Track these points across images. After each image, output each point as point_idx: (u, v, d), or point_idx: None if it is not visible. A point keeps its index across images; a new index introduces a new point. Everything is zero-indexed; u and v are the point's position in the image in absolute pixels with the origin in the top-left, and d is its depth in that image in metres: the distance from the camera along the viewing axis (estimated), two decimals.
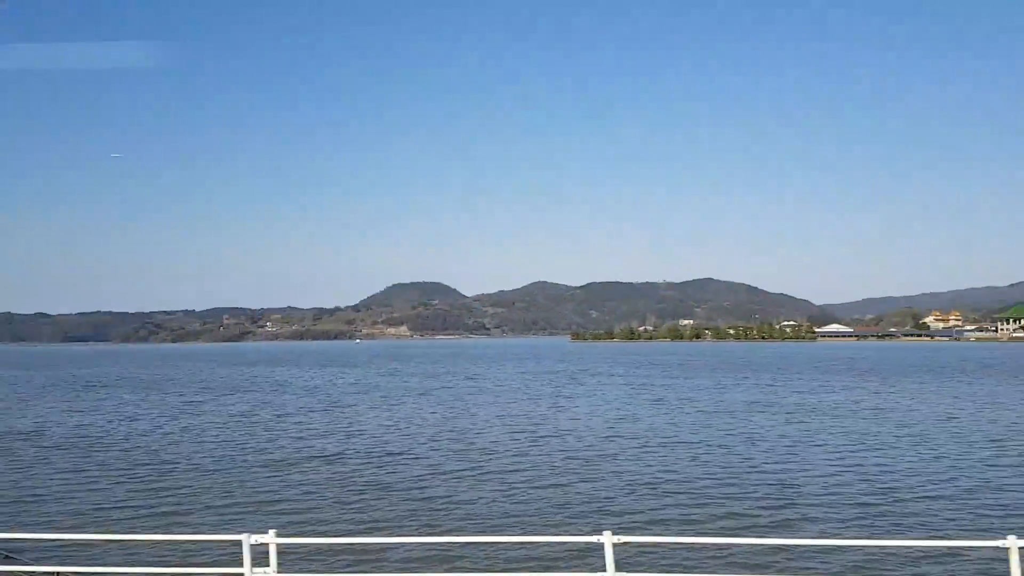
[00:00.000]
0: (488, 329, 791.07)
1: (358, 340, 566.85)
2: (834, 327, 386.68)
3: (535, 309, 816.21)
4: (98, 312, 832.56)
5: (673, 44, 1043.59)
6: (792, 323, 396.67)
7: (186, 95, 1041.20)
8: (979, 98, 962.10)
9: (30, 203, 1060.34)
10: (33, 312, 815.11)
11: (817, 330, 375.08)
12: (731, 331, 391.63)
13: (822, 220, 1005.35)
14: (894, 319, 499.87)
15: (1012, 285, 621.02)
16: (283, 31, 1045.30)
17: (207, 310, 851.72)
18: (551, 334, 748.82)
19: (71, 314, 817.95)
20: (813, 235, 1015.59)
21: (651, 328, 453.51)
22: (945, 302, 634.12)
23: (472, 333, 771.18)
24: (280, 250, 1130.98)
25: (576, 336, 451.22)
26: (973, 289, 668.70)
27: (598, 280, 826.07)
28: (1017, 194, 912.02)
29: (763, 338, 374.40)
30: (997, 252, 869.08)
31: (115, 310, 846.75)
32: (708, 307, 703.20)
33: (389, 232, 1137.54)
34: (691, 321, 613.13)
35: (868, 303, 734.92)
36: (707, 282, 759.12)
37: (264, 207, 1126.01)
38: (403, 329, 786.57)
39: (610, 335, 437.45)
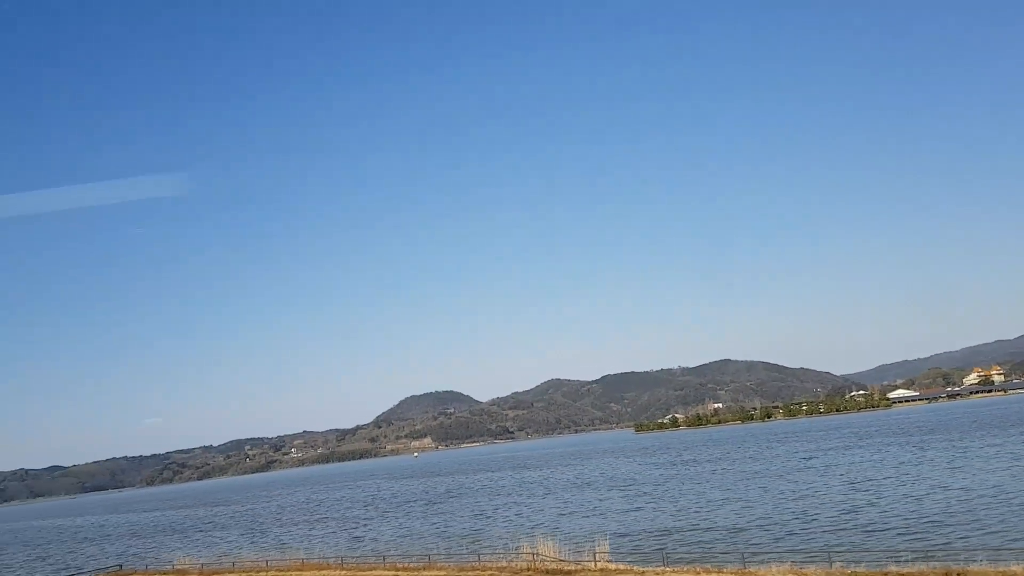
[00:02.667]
0: (512, 433, 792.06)
1: (415, 455, 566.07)
2: (901, 392, 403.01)
3: (555, 408, 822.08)
4: (113, 459, 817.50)
5: (660, 129, 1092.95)
6: (862, 393, 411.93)
7: (197, 227, 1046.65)
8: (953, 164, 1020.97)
9: (36, 353, 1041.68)
10: (48, 465, 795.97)
11: (890, 396, 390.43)
12: (803, 407, 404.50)
13: (832, 291, 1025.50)
14: (924, 381, 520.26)
15: (1020, 337, 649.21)
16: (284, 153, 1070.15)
17: (226, 443, 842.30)
18: (576, 431, 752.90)
19: (86, 464, 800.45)
20: (825, 307, 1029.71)
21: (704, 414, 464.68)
22: (960, 360, 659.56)
23: (496, 438, 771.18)
24: (291, 376, 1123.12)
25: (640, 428, 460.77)
26: (984, 344, 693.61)
27: (613, 372, 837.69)
28: (1010, 250, 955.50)
29: (837, 411, 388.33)
30: (1003, 307, 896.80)
31: (130, 455, 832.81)
32: (731, 388, 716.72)
33: (397, 347, 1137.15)
34: (719, 404, 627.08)
35: (884, 369, 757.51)
36: (724, 364, 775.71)
37: (272, 336, 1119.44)
38: (427, 441, 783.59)
39: (675, 424, 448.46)
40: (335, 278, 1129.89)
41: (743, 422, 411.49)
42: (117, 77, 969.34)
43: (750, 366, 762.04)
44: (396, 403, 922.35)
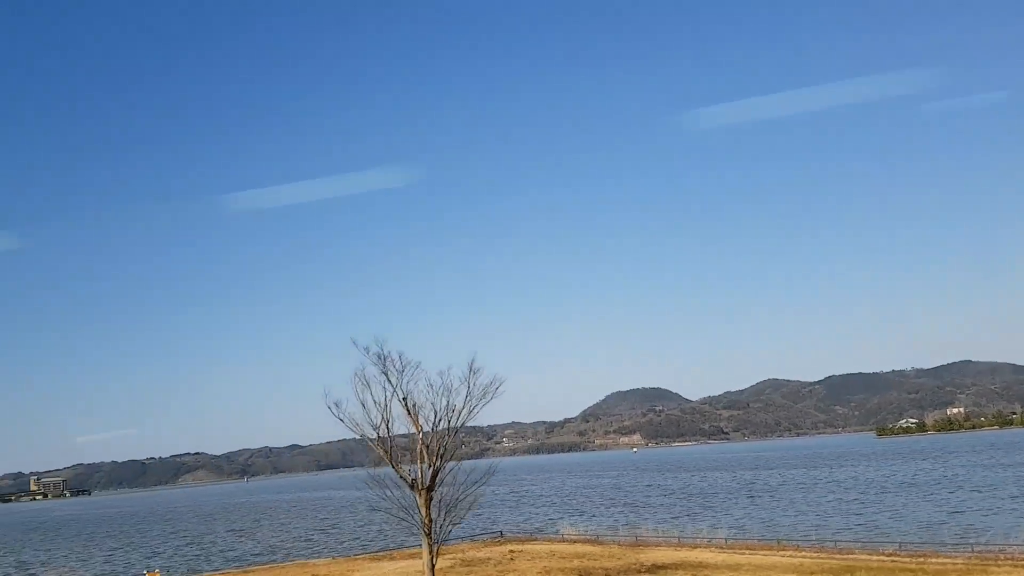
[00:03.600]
0: (727, 433, 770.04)
1: (634, 450, 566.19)
2: None
3: (773, 409, 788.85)
4: (343, 440, 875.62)
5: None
6: None
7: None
8: None
9: (276, 341, 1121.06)
10: (288, 444, 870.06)
11: None
12: None
13: None
14: None
15: None
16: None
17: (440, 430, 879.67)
18: (796, 434, 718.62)
19: (320, 443, 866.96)
20: None
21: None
22: None
23: (709, 439, 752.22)
24: (501, 367, 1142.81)
25: (883, 431, 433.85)
26: None
27: (837, 373, 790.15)
28: None
29: None
30: None
31: (356, 437, 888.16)
32: (973, 392, 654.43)
33: (604, 342, 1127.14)
34: (959, 409, 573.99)
35: None
36: (964, 365, 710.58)
37: (481, 326, 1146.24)
38: (636, 438, 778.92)
39: (922, 428, 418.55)
40: (543, 271, 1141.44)
41: (1001, 427, 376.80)
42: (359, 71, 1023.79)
43: (994, 368, 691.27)
44: (602, 398, 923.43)
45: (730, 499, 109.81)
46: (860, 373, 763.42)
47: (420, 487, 40.50)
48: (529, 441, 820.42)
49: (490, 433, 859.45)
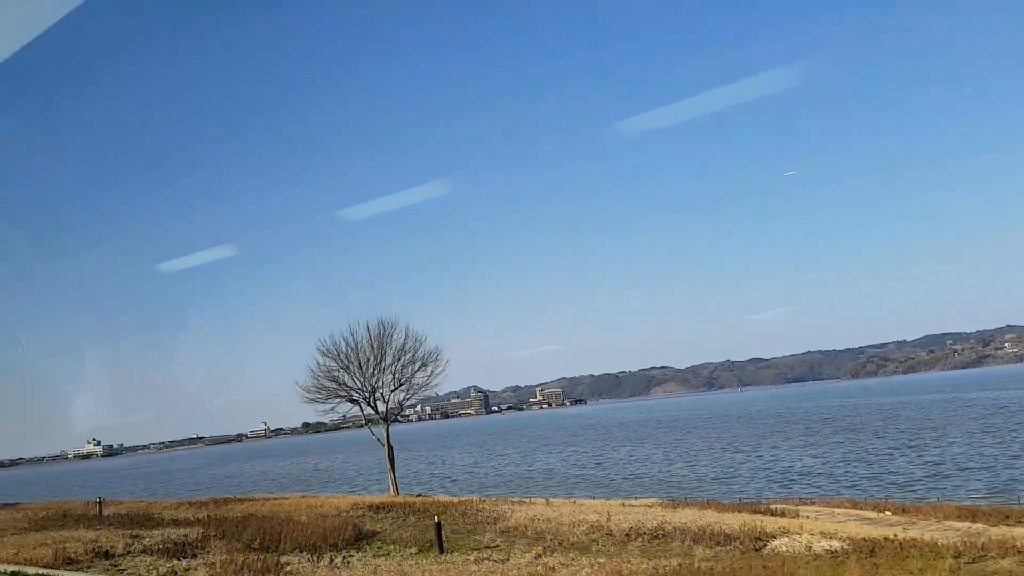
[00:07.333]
0: None
1: None
2: None
3: None
4: (808, 352, 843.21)
5: None
6: None
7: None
8: None
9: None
10: (749, 358, 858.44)
11: None
12: None
13: None
14: None
15: None
16: None
17: (921, 338, 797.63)
18: None
19: (784, 356, 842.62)
20: None
21: None
22: None
23: None
24: (994, 267, 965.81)
25: None
26: None
27: None
28: None
29: None
30: None
31: (823, 349, 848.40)
32: None
33: None
34: None
35: None
36: None
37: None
38: None
39: None
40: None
41: None
42: None
43: None
44: None
45: None
46: None
47: None
48: None
49: (984, 339, 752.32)
